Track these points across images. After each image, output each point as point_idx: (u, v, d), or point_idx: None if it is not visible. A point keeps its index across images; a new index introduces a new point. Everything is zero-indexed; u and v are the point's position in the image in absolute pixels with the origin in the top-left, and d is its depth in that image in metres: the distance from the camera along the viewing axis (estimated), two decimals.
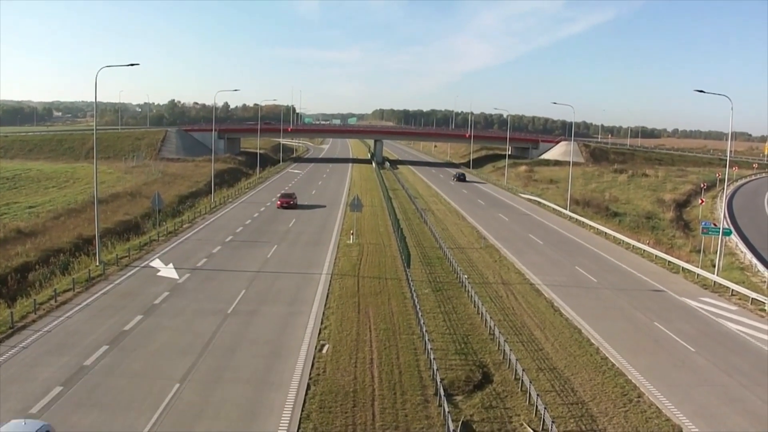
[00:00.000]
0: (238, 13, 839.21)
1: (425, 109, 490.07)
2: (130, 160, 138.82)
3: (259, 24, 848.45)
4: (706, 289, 51.93)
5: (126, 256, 54.88)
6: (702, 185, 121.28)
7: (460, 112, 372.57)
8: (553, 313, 43.10)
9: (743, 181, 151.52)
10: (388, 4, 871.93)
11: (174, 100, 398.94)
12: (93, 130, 63.09)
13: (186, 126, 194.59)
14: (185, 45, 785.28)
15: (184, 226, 71.00)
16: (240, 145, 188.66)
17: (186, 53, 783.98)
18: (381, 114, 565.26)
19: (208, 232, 68.37)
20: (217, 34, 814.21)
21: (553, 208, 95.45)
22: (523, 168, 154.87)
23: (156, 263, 53.22)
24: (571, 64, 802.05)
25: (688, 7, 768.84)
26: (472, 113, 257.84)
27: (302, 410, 27.49)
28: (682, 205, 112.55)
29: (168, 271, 50.62)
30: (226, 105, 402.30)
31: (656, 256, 62.39)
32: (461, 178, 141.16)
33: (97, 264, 50.85)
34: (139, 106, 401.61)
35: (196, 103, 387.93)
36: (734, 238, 75.48)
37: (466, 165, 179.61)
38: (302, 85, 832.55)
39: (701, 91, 60.38)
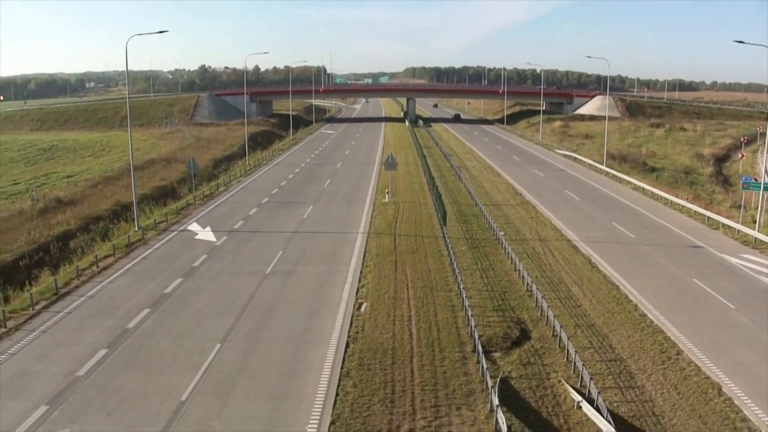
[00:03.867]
0: None
1: (457, 66, 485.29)
2: (164, 127, 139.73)
3: None
4: (746, 245, 50.94)
5: (164, 221, 55.61)
6: (742, 139, 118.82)
7: (492, 68, 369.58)
8: (591, 270, 42.84)
9: None
10: None
11: (204, 65, 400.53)
12: (126, 99, 63.44)
13: (217, 91, 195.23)
14: (214, 9, 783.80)
15: (220, 189, 71.60)
16: (272, 108, 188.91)
17: (215, 17, 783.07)
18: (413, 72, 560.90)
19: (244, 194, 68.86)
20: None
21: (589, 164, 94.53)
22: (558, 123, 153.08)
23: (193, 227, 53.81)
24: (606, 15, 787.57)
25: None
26: (504, 69, 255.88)
27: (341, 368, 27.77)
28: (721, 159, 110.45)
29: (206, 234, 51.14)
30: (257, 68, 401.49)
31: (695, 211, 61.39)
32: (457, 117, 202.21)
33: (136, 229, 51.58)
34: (170, 72, 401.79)
35: (227, 68, 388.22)
36: None
37: (500, 121, 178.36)
38: (332, 45, 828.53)
39: (740, 42, 59.20)
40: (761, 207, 58.42)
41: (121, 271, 41.86)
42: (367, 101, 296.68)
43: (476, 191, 69.41)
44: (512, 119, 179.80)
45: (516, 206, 62.97)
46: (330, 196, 67.24)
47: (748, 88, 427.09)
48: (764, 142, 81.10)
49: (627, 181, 79.50)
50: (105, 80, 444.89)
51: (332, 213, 59.23)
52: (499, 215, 58.45)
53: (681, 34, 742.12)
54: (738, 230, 54.15)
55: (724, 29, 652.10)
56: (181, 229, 53.42)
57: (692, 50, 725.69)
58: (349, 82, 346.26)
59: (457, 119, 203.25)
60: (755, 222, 55.82)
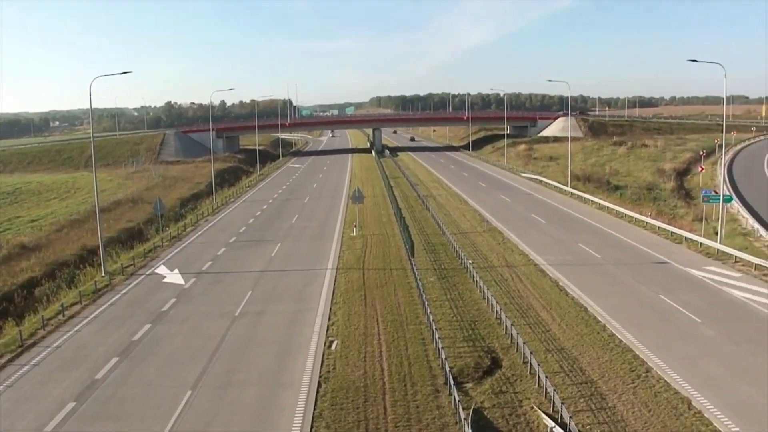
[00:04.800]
0: (230, 7, 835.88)
1: (422, 93, 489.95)
2: (130, 166, 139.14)
3: (252, 18, 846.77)
4: (709, 257, 51.90)
5: (131, 265, 55.14)
6: (701, 152, 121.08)
7: (457, 94, 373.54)
8: (559, 293, 43.23)
9: (742, 145, 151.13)
10: None
11: (170, 101, 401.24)
12: (90, 138, 63.23)
13: (183, 127, 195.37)
14: (178, 46, 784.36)
15: (188, 229, 71.32)
16: (239, 143, 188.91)
17: (179, 54, 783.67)
18: (378, 101, 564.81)
19: (212, 233, 68.66)
20: (210, 31, 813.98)
21: (554, 186, 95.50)
22: (522, 147, 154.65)
23: (161, 270, 53.51)
24: (566, 37, 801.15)
25: None
26: (468, 95, 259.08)
27: (314, 409, 27.67)
28: (682, 173, 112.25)
29: (174, 277, 50.88)
30: (223, 103, 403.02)
31: (659, 227, 62.40)
32: (412, 139, 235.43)
33: (103, 275, 51.16)
34: (135, 110, 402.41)
35: (193, 103, 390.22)
36: (735, 204, 75.39)
37: (466, 147, 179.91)
38: (298, 77, 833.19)
39: (694, 60, 60.20)
40: (721, 219, 59.35)
41: (88, 318, 41.46)
42: (333, 135, 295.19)
43: (443, 220, 69.80)
44: (478, 145, 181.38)
45: (483, 233, 63.36)
46: (298, 232, 67.23)
47: (706, 101, 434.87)
48: (722, 154, 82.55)
49: (592, 201, 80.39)
50: (70, 119, 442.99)
51: (301, 249, 59.21)
52: (467, 243, 58.79)
53: (640, 52, 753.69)
54: (701, 243, 55.18)
55: (680, 45, 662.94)
56: (148, 272, 53.07)
57: (651, 66, 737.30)
58: (316, 113, 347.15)
59: (412, 140, 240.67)
60: (717, 234, 56.67)
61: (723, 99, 67.76)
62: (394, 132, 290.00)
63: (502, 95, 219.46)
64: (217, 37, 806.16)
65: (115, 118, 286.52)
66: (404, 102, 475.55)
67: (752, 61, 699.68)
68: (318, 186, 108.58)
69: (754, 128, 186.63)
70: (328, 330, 37.46)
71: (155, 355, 34.59)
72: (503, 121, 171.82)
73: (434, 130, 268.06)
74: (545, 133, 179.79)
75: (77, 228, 71.77)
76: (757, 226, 64.12)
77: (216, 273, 51.86)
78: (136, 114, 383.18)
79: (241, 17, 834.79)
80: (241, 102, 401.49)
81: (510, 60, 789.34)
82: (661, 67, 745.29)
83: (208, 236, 67.38)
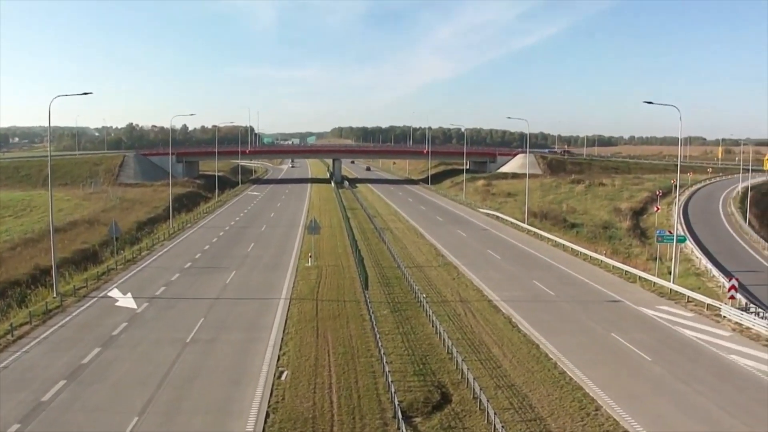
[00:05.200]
0: (195, 32, 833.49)
1: (384, 125, 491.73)
2: (88, 187, 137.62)
3: (216, 44, 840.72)
4: (662, 297, 52.73)
5: (84, 287, 54.51)
6: (657, 192, 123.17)
7: (418, 127, 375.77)
8: (511, 330, 43.48)
9: (698, 186, 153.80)
10: (344, 21, 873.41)
11: (132, 123, 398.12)
12: (48, 157, 62.57)
13: (144, 150, 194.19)
14: (141, 69, 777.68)
15: (143, 253, 70.63)
16: (199, 168, 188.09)
17: (142, 77, 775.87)
18: (340, 132, 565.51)
19: (167, 258, 68.10)
20: (172, 56, 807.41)
21: (511, 222, 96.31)
22: (481, 182, 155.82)
23: (114, 293, 52.92)
24: (527, 75, 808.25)
25: (636, 19, 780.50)
26: (429, 128, 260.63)
27: None
28: (638, 213, 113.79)
29: (126, 301, 50.33)
30: (185, 127, 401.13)
31: (613, 266, 63.26)
32: (368, 169, 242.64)
33: (55, 296, 50.51)
34: (97, 130, 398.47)
35: (155, 126, 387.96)
36: (689, 244, 76.71)
37: (425, 181, 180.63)
38: (261, 104, 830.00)
39: (650, 102, 61.52)
40: (675, 259, 60.35)
41: (38, 340, 40.81)
42: (293, 165, 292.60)
43: (399, 253, 70.03)
44: (437, 179, 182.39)
45: (438, 267, 63.66)
46: (253, 261, 66.91)
47: (665, 141, 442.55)
48: (677, 196, 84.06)
49: (548, 238, 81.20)
50: (30, 136, 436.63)
51: (255, 278, 58.92)
52: (421, 277, 59.01)
53: (600, 92, 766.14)
54: (654, 282, 56.04)
55: (640, 86, 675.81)
56: (101, 295, 52.45)
57: (612, 106, 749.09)
58: (278, 141, 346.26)
59: (368, 170, 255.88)
60: (670, 273, 57.56)
61: (679, 139, 69.15)
62: (352, 162, 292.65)
63: (463, 130, 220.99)
64: (180, 62, 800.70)
65: (75, 137, 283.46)
66: (365, 133, 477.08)
67: (710, 103, 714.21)
68: (276, 214, 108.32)
69: (710, 169, 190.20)
70: (278, 360, 37.26)
71: (104, 379, 34.11)
72: (463, 156, 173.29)
73: (394, 163, 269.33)
74: (504, 169, 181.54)
75: (31, 247, 70.68)
76: (710, 266, 65.31)
77: (169, 298, 51.41)
78: (97, 134, 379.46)
79: (203, 43, 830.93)
80: (203, 127, 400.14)
81: (472, 95, 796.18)
82: (621, 107, 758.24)
83: (163, 261, 66.81)
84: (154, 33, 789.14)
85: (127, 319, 45.22)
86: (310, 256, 65.85)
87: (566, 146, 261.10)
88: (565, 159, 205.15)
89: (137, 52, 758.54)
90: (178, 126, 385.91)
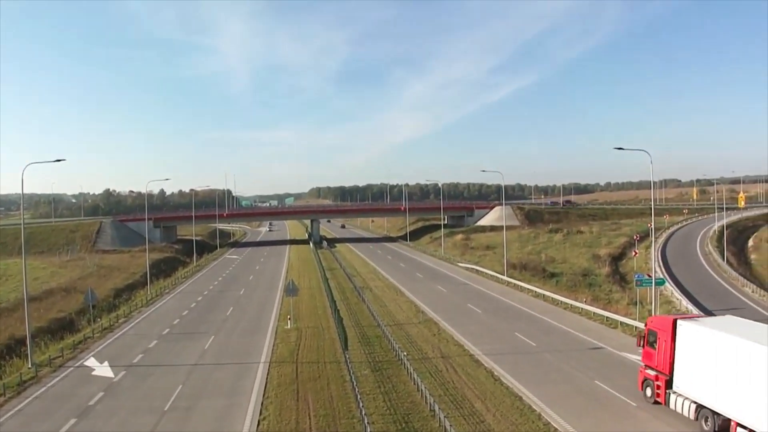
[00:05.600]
0: (170, 98, 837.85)
1: (361, 183, 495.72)
2: (65, 254, 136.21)
3: (192, 108, 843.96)
4: None
5: (59, 356, 53.71)
6: (635, 237, 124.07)
7: (395, 184, 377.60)
8: (494, 383, 43.11)
9: (675, 227, 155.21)
10: (318, 82, 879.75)
11: (109, 189, 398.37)
12: (21, 225, 62.08)
13: (121, 216, 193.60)
14: (117, 135, 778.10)
15: (120, 320, 69.90)
16: (176, 233, 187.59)
17: (118, 143, 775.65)
18: (318, 192, 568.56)
19: (145, 325, 67.32)
20: (150, 121, 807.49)
21: (491, 275, 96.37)
22: (459, 236, 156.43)
23: (90, 362, 52.12)
24: (500, 127, 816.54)
25: (604, 67, 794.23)
26: (406, 185, 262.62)
27: None
28: (617, 258, 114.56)
29: (103, 370, 49.53)
30: (162, 192, 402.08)
31: (594, 313, 63.43)
32: (343, 227, 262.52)
33: (29, 366, 49.70)
34: (74, 196, 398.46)
35: (132, 191, 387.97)
36: (669, 286, 77.03)
37: (404, 238, 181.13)
38: (238, 167, 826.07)
39: (620, 149, 61.93)
40: (654, 302, 60.53)
41: (12, 412, 40.02)
42: (270, 229, 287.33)
43: (379, 312, 69.63)
44: (415, 235, 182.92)
45: (418, 324, 63.26)
46: (232, 325, 66.23)
47: (639, 185, 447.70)
48: (653, 239, 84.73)
49: (528, 289, 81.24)
50: (6, 203, 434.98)
51: (234, 343, 58.18)
52: (402, 335, 58.56)
53: (574, 140, 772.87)
54: (635, 327, 56.09)
55: (611, 132, 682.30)
56: (77, 364, 51.62)
57: (585, 154, 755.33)
58: (256, 203, 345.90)
59: (342, 227, 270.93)
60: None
61: (651, 183, 70.13)
62: (328, 221, 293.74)
63: (439, 185, 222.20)
64: (157, 127, 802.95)
65: (52, 204, 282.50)
66: (343, 193, 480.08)
67: (682, 146, 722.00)
68: (254, 277, 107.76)
69: (685, 210, 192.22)
70: (258, 425, 36.58)
71: None
72: (440, 211, 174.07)
73: (372, 221, 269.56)
74: (482, 222, 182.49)
75: (6, 317, 69.54)
76: (690, 307, 65.68)
77: (147, 366, 50.64)
78: (74, 201, 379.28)
79: (180, 108, 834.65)
80: (180, 191, 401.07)
81: (448, 150, 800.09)
82: (594, 155, 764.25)
83: (140, 328, 66.02)
84: (129, 99, 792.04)
85: (103, 389, 44.42)
86: (289, 318, 65.29)
87: (567, 201, 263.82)
88: (542, 209, 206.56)
89: (113, 118, 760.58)
90: (156, 191, 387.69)
